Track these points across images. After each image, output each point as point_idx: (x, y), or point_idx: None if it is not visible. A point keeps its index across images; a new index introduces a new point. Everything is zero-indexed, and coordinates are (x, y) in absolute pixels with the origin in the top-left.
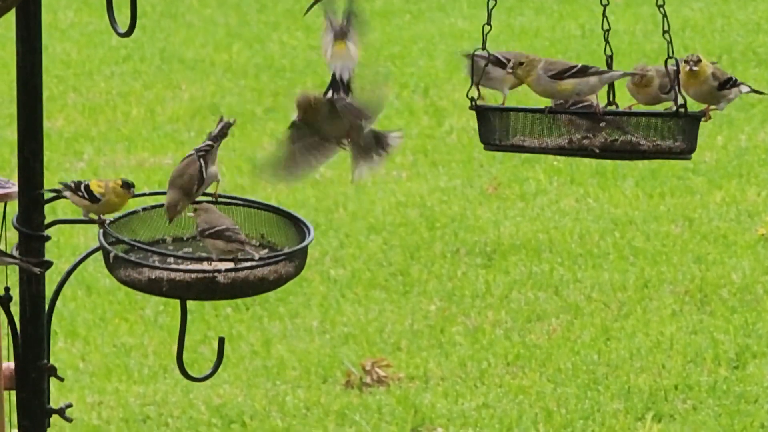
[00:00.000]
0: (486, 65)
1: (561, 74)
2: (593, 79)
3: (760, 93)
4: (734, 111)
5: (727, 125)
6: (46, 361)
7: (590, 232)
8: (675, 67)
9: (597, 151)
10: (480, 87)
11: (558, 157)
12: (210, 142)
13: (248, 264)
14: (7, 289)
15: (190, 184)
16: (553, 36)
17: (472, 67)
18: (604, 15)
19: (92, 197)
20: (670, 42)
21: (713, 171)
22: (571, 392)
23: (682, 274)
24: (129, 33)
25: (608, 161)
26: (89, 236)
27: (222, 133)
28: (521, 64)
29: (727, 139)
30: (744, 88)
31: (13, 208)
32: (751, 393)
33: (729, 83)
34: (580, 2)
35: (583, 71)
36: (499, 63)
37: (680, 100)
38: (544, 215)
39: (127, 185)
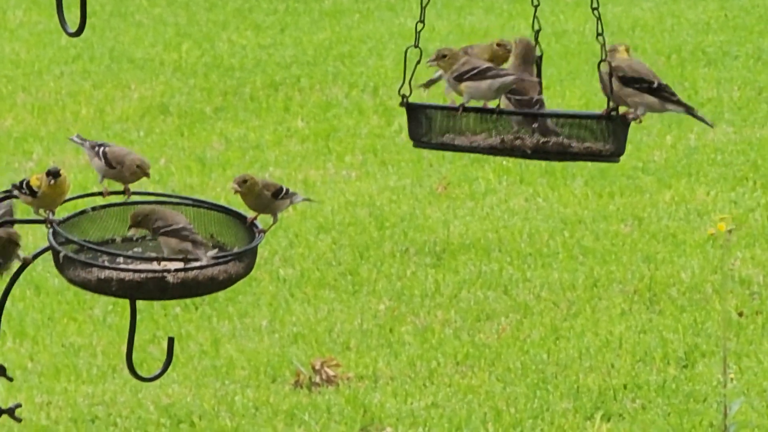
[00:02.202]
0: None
1: (462, 75)
2: (484, 84)
3: (704, 122)
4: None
5: (677, 124)
6: None
7: (539, 231)
8: (608, 70)
9: (528, 151)
10: (418, 87)
11: (507, 157)
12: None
13: (198, 264)
14: None
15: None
16: (503, 35)
17: (405, 63)
18: (534, 16)
19: (32, 191)
20: (603, 45)
21: (662, 170)
22: (521, 391)
23: (632, 274)
24: (79, 33)
25: None
26: (38, 236)
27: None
28: (444, 56)
29: (677, 139)
30: (675, 107)
31: None
32: (699, 392)
33: (636, 83)
34: (529, 1)
35: (481, 74)
36: None
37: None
38: (493, 215)
39: (49, 173)
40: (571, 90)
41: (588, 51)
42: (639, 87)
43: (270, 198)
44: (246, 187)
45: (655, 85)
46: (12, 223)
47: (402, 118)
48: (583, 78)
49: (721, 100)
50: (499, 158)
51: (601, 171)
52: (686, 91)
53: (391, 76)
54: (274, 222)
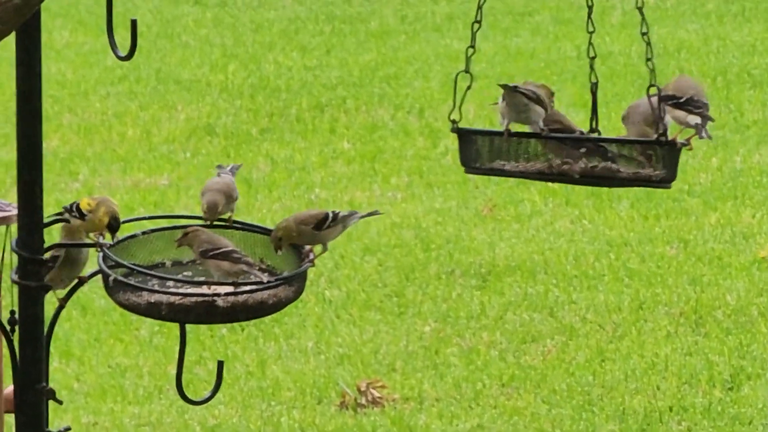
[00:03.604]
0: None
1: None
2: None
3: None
4: (729, 133)
5: (722, 147)
6: (44, 383)
7: (585, 253)
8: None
9: (576, 176)
10: (515, 123)
11: (556, 182)
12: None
13: (248, 288)
14: (12, 312)
15: (230, 188)
16: (549, 57)
17: (455, 89)
18: (590, 42)
19: (81, 214)
20: (653, 70)
21: (708, 193)
22: (566, 414)
23: (677, 296)
24: (129, 57)
25: None
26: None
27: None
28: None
29: (722, 161)
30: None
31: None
32: (745, 415)
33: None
34: (575, 24)
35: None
36: (539, 101)
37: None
38: (539, 236)
39: (112, 228)
40: (617, 112)
41: (634, 73)
42: (671, 104)
43: (312, 231)
44: (283, 240)
45: (683, 99)
46: (62, 246)
47: (447, 140)
48: (628, 100)
49: (767, 122)
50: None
51: (647, 193)
52: (732, 113)
53: (437, 98)
54: (324, 250)
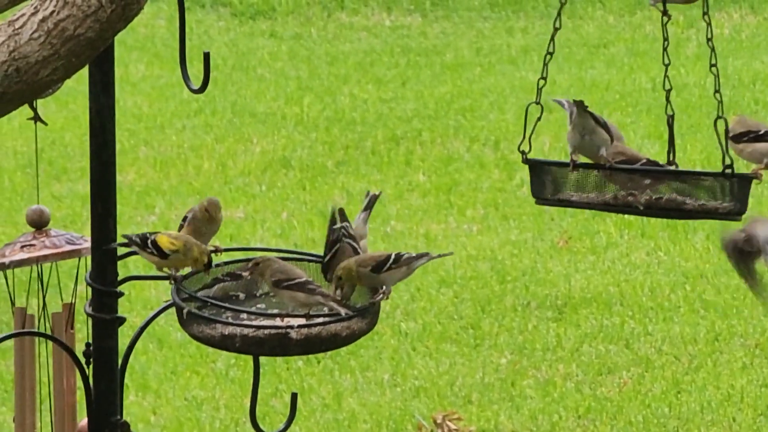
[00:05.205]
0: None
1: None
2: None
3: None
4: None
5: None
6: (119, 416)
7: (661, 285)
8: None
9: (641, 208)
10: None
11: (622, 213)
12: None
13: (321, 320)
14: (88, 345)
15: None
16: (624, 89)
17: (525, 119)
18: (665, 75)
19: (161, 253)
20: (720, 102)
21: None
22: None
23: (753, 328)
24: (202, 89)
25: None
26: (160, 290)
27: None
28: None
29: None
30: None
31: (82, 263)
32: None
33: (744, 137)
34: (650, 55)
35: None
36: (605, 127)
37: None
38: (614, 268)
39: (209, 265)
40: (693, 144)
41: (710, 105)
42: (747, 139)
43: (370, 274)
44: (344, 280)
45: (761, 132)
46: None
47: (523, 173)
48: (704, 132)
49: None
50: None
51: (723, 225)
52: None
53: (512, 130)
54: (387, 295)
